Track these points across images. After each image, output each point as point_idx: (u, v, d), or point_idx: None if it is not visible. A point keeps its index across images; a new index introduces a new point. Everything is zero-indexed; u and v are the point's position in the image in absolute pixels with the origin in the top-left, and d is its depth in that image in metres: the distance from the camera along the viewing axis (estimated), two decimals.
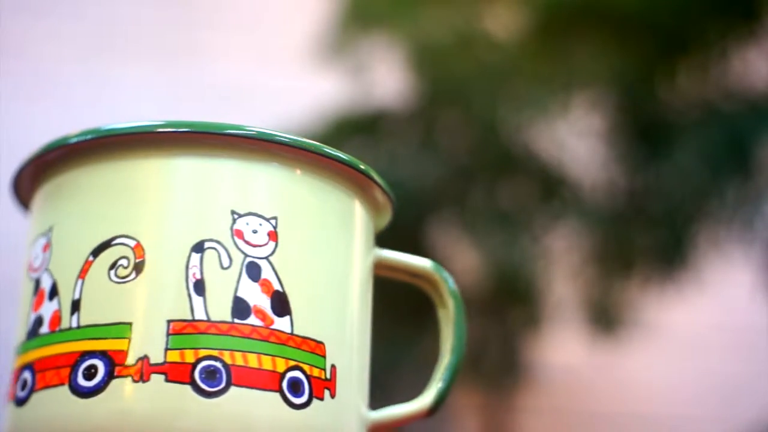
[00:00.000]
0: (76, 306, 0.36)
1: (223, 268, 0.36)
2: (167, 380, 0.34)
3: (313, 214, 0.38)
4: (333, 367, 0.37)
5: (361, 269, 0.39)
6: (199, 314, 0.35)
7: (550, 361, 1.49)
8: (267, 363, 0.35)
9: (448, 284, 0.42)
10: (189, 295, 0.35)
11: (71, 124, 0.42)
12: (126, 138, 0.37)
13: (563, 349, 1.47)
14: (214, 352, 0.35)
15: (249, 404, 0.35)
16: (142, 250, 0.36)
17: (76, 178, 0.38)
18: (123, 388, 0.34)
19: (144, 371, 0.34)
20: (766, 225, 1.22)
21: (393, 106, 1.38)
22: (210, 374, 0.34)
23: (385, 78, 1.37)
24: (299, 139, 0.38)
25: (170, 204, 0.36)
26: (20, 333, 0.38)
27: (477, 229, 1.30)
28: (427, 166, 1.28)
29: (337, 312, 0.38)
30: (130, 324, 0.35)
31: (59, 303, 0.36)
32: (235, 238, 0.36)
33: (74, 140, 0.37)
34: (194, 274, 0.35)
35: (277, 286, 0.36)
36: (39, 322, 0.37)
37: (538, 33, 1.31)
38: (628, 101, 1.29)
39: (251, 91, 1.64)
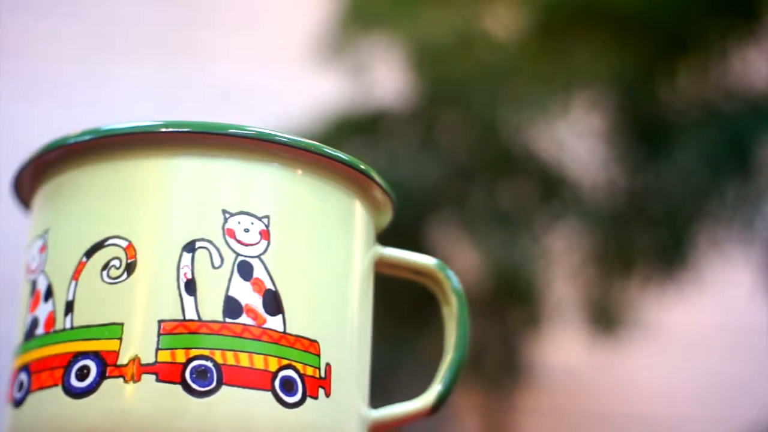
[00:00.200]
0: (69, 307, 0.36)
1: (214, 267, 0.35)
2: (158, 380, 0.34)
3: (312, 214, 0.38)
4: (328, 365, 0.37)
5: (361, 269, 0.39)
6: (190, 314, 0.35)
7: (550, 361, 1.49)
8: (259, 362, 0.35)
9: (451, 282, 0.42)
10: (180, 295, 0.35)
11: (71, 124, 0.42)
12: (126, 138, 0.37)
13: (563, 349, 1.47)
14: (206, 352, 0.35)
15: (241, 403, 0.34)
16: (134, 250, 0.36)
17: (75, 178, 0.38)
18: (115, 388, 0.34)
19: (135, 371, 0.34)
20: (766, 225, 1.22)
21: (393, 106, 1.37)
22: (201, 374, 0.34)
23: (385, 78, 1.37)
24: (299, 139, 0.37)
25: (168, 204, 0.36)
26: (18, 335, 0.38)
27: (477, 229, 1.30)
28: (427, 166, 1.28)
29: (334, 311, 0.38)
30: (121, 324, 0.35)
31: (54, 304, 0.36)
32: (227, 237, 0.36)
33: (74, 140, 0.37)
34: (185, 273, 0.35)
35: (269, 285, 0.36)
36: (35, 323, 0.37)
37: (538, 33, 1.31)
38: (628, 101, 1.29)
39: (251, 91, 1.64)
